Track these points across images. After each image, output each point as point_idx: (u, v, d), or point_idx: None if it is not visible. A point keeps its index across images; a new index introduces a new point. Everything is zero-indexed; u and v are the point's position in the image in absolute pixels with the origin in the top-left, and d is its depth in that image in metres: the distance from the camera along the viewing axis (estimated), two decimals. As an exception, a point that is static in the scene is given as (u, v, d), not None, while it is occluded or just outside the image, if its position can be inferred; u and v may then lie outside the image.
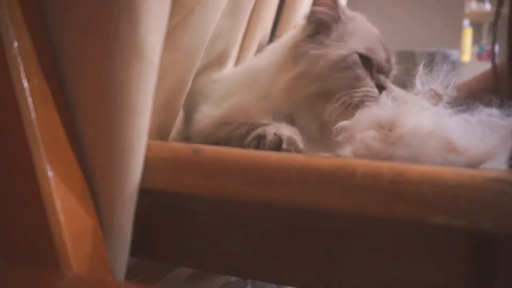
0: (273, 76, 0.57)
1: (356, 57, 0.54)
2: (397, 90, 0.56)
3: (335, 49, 0.54)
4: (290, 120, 0.55)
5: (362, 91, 0.53)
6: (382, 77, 0.56)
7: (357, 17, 0.59)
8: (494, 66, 0.67)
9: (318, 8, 0.56)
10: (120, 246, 0.40)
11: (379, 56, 0.56)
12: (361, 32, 0.57)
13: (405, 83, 0.56)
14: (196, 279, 0.80)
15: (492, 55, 0.68)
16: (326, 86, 0.54)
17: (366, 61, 0.55)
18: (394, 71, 0.60)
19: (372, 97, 0.53)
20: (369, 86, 0.54)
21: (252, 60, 0.64)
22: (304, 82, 0.54)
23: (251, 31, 0.82)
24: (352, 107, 0.52)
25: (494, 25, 0.66)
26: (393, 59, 0.59)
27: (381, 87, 0.55)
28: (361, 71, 0.54)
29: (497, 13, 0.66)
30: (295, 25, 0.59)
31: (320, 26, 0.56)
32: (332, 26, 0.56)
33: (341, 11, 0.56)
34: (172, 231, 0.51)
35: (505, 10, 0.64)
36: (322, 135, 0.56)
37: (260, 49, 0.68)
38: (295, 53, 0.55)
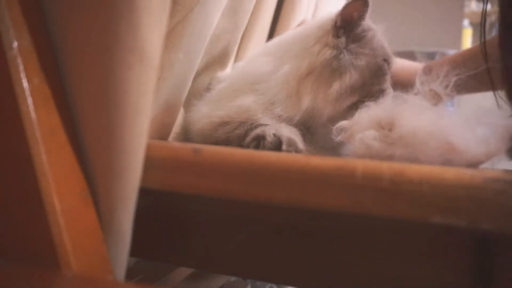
0: (289, 85, 0.56)
1: (385, 64, 0.58)
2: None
3: (373, 58, 0.56)
4: (304, 129, 0.56)
5: (388, 93, 0.57)
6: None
7: (369, 22, 0.59)
8: (484, 43, 0.68)
9: (350, 16, 0.56)
10: (120, 246, 0.40)
11: (391, 56, 0.60)
12: (379, 38, 0.59)
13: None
14: (196, 279, 0.80)
15: (482, 30, 0.68)
16: (364, 93, 0.56)
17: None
18: None
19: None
20: (389, 88, 0.59)
21: (252, 62, 0.63)
22: (349, 92, 0.55)
23: (249, 31, 0.81)
24: None
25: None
26: None
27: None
28: (388, 75, 0.58)
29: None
30: (312, 35, 0.58)
31: (350, 35, 0.56)
32: (361, 34, 0.57)
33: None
34: (172, 231, 0.51)
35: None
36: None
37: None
38: (337, 65, 0.55)
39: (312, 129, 0.57)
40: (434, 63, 0.79)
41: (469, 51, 0.75)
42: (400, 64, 0.71)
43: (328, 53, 0.55)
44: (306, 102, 0.55)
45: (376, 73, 0.56)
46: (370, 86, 0.56)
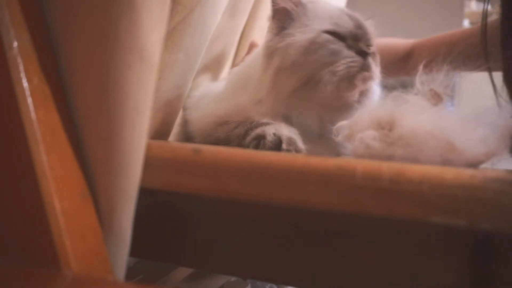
0: (259, 81, 0.56)
1: (326, 36, 0.54)
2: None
3: (301, 36, 0.55)
4: (289, 121, 0.55)
5: (343, 63, 0.52)
6: (361, 44, 0.55)
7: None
8: (485, 25, 0.67)
9: (278, 5, 0.57)
10: (120, 245, 0.40)
11: (346, 27, 0.55)
12: (323, 11, 0.58)
13: (405, 83, 0.56)
14: (196, 279, 0.80)
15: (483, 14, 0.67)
16: (308, 73, 0.53)
17: (338, 36, 0.54)
18: (375, 34, 0.59)
19: (357, 65, 0.53)
20: (349, 56, 0.53)
21: (243, 64, 0.64)
22: (284, 75, 0.54)
23: (247, 31, 0.81)
24: (344, 83, 0.53)
25: None
26: (366, 24, 0.58)
27: (364, 53, 0.54)
28: (335, 46, 0.53)
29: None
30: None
31: (285, 21, 0.57)
32: (295, 16, 0.56)
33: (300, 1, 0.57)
34: (172, 231, 0.51)
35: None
36: (322, 131, 0.56)
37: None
38: (267, 53, 0.56)
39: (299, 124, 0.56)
40: (420, 44, 0.79)
41: (458, 33, 0.75)
42: (383, 43, 0.70)
43: (265, 41, 0.57)
44: (263, 94, 0.55)
45: (308, 50, 0.53)
46: (307, 66, 0.53)
